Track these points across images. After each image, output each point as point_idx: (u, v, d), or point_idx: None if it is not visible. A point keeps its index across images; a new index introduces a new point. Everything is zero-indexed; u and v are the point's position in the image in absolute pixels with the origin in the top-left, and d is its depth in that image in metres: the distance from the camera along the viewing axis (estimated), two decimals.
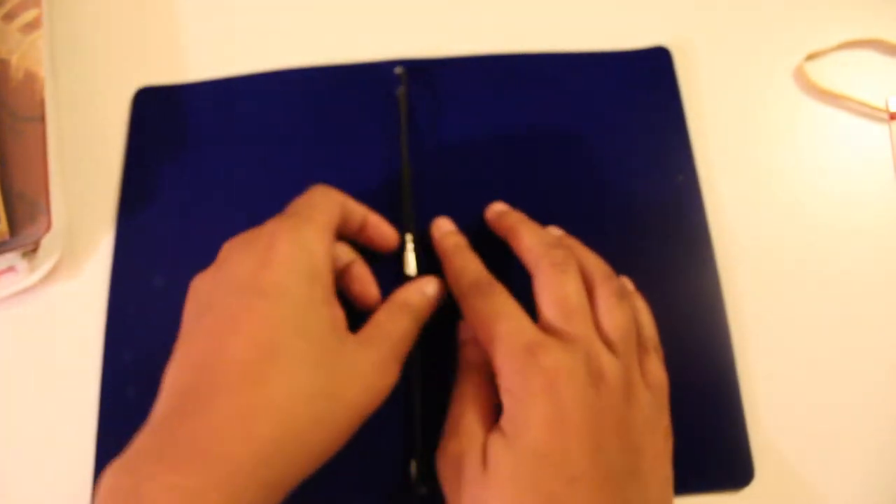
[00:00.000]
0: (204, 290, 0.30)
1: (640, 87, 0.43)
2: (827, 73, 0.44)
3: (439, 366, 0.35)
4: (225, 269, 0.30)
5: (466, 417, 0.31)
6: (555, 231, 0.37)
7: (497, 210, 0.38)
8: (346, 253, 0.36)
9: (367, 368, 0.30)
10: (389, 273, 0.38)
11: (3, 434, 0.38)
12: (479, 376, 0.32)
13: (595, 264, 0.34)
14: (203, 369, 0.27)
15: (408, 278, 0.37)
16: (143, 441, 0.26)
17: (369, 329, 0.32)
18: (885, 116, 0.43)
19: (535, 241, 0.34)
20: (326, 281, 0.31)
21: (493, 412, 0.31)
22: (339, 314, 0.31)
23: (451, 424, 0.32)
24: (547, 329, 0.31)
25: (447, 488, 0.31)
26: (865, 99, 0.43)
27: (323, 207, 0.33)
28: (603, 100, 0.43)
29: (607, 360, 0.30)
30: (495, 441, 0.29)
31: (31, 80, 0.41)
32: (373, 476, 0.35)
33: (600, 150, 0.41)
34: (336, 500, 0.35)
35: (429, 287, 0.35)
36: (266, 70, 0.44)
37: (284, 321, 0.27)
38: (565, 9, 0.45)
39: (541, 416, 0.28)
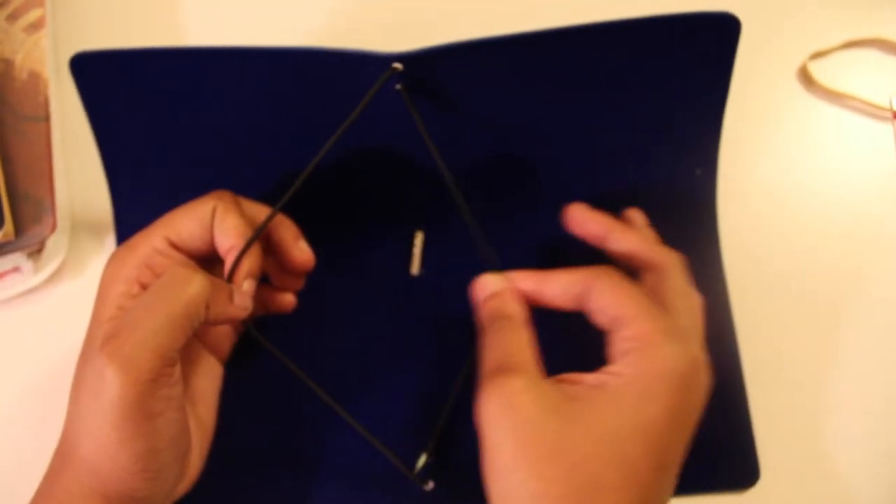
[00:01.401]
0: None
1: (691, 61, 0.38)
2: (831, 72, 0.44)
3: (451, 351, 0.35)
4: None
5: (520, 357, 0.30)
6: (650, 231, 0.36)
7: (582, 213, 0.35)
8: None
9: (102, 385, 0.27)
10: (395, 272, 0.37)
11: (8, 433, 0.38)
12: (523, 325, 0.31)
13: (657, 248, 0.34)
14: None
15: (412, 278, 0.37)
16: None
17: (118, 323, 0.29)
18: (889, 115, 0.43)
19: (645, 242, 0.33)
20: (117, 300, 0.31)
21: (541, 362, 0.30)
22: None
23: (501, 363, 0.29)
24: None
25: (491, 428, 0.28)
26: (869, 98, 0.43)
27: (161, 221, 0.32)
28: (645, 72, 0.38)
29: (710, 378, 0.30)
30: (594, 395, 0.28)
31: (35, 80, 0.41)
32: (380, 470, 0.35)
33: (632, 132, 0.39)
34: (343, 495, 0.35)
35: (239, 293, 0.31)
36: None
37: (81, 355, 0.31)
38: None
39: (665, 401, 0.28)
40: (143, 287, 0.31)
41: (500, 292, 0.32)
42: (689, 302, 0.32)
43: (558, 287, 0.32)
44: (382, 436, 0.34)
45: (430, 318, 0.38)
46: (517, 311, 0.32)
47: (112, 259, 0.32)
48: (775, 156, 0.43)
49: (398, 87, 0.37)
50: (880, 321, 0.39)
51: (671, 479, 0.28)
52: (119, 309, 0.30)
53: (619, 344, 0.29)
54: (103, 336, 0.28)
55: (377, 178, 0.39)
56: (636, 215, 0.36)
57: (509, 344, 0.30)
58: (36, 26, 0.42)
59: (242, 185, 0.38)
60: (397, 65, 0.36)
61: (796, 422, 0.38)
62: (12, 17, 0.42)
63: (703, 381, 0.29)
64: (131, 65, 0.38)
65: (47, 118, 0.40)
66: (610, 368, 0.29)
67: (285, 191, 0.35)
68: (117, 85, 0.38)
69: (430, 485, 0.34)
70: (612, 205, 0.38)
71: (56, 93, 0.42)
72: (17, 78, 0.41)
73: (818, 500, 0.37)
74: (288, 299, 0.36)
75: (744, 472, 0.36)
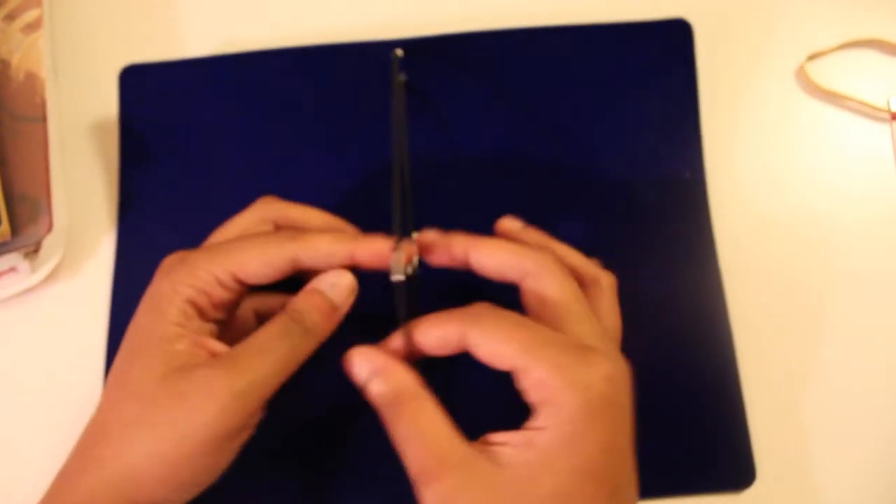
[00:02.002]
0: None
1: (654, 66, 0.41)
2: (828, 73, 0.44)
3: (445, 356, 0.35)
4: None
5: (439, 445, 0.28)
6: (534, 233, 0.34)
7: (435, 239, 0.33)
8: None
9: (205, 406, 0.28)
10: (377, 278, 0.37)
11: (5, 434, 0.38)
12: (424, 399, 0.29)
13: (581, 259, 0.33)
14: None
15: (394, 285, 0.37)
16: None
17: (236, 352, 0.30)
18: (887, 116, 0.43)
19: (513, 250, 0.31)
20: (178, 320, 0.30)
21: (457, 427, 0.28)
22: (188, 351, 0.29)
23: (424, 464, 0.27)
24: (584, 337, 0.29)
25: None
26: (867, 99, 0.43)
27: (220, 244, 0.32)
28: (614, 79, 0.41)
29: (628, 369, 0.29)
30: (526, 458, 0.27)
31: (32, 80, 0.41)
32: (375, 475, 0.35)
33: (609, 139, 0.40)
34: (339, 499, 0.35)
35: (335, 291, 0.31)
36: (259, 49, 0.42)
37: (126, 359, 0.30)
38: None
39: (595, 435, 0.27)
40: (198, 310, 0.30)
41: (381, 367, 0.30)
42: (570, 296, 0.30)
43: (433, 339, 0.30)
44: (380, 437, 0.34)
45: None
46: (411, 383, 0.29)
47: (167, 272, 0.31)
48: (772, 157, 0.43)
49: (398, 78, 0.38)
50: (877, 323, 0.39)
51: (630, 495, 0.28)
52: (180, 327, 0.30)
53: (530, 394, 0.28)
54: (217, 361, 0.29)
55: (374, 177, 0.40)
56: (509, 223, 0.34)
57: (422, 433, 0.28)
58: (33, 27, 0.42)
59: (255, 187, 0.39)
60: (399, 51, 0.39)
61: (792, 422, 0.38)
62: (9, 18, 0.42)
63: (624, 390, 0.28)
64: (172, 75, 0.42)
65: (44, 119, 0.40)
66: (532, 424, 0.27)
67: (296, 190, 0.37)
68: (155, 94, 0.42)
69: None
70: (606, 210, 0.39)
71: (53, 93, 0.42)
72: (13, 78, 0.41)
73: (813, 501, 0.37)
74: None
75: (739, 472, 0.36)
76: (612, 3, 0.44)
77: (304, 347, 0.30)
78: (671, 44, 0.41)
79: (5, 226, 0.38)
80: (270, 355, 0.29)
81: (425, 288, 0.38)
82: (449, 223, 0.38)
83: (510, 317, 0.29)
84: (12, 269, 0.39)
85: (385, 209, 0.38)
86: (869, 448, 0.37)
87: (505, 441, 0.27)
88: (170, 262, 0.31)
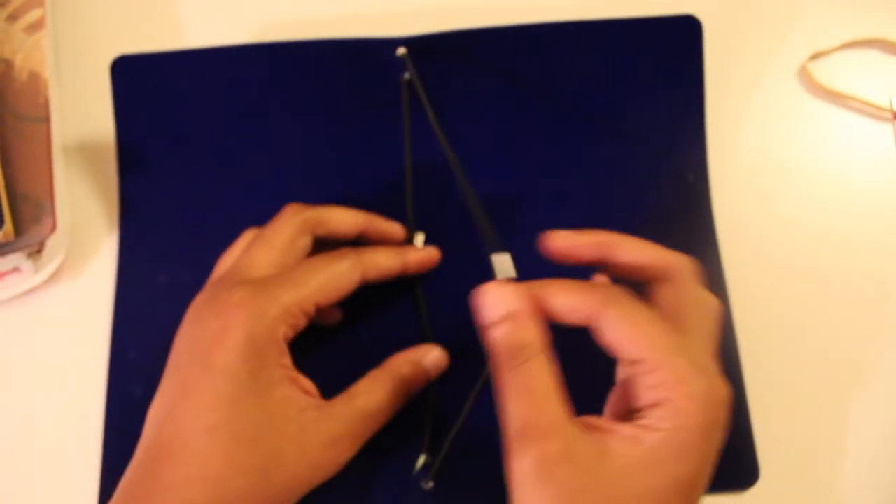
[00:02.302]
0: (183, 338, 0.32)
1: (663, 62, 0.40)
2: (831, 72, 0.44)
3: (451, 356, 0.35)
4: (195, 326, 0.32)
5: (550, 410, 0.27)
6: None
7: (571, 236, 0.31)
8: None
9: (316, 446, 0.30)
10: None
11: (9, 434, 0.38)
12: (547, 360, 0.28)
13: (658, 249, 0.32)
14: (161, 427, 0.30)
15: (411, 280, 0.37)
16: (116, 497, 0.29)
17: (340, 400, 0.32)
18: (889, 116, 0.43)
19: (657, 250, 0.31)
20: (279, 360, 0.30)
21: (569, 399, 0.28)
22: (293, 390, 0.30)
23: (530, 421, 0.27)
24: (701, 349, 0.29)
25: (528, 495, 0.26)
26: (869, 98, 0.43)
27: (292, 274, 0.32)
28: (622, 76, 0.40)
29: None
30: (630, 452, 0.26)
31: (35, 80, 0.41)
32: (379, 470, 0.35)
33: (615, 136, 0.40)
34: (342, 495, 0.35)
35: (427, 357, 0.35)
36: (258, 42, 0.42)
37: (229, 401, 0.29)
38: None
39: (700, 454, 0.27)
40: (287, 344, 0.31)
41: (514, 313, 0.28)
42: (705, 313, 0.30)
43: (565, 305, 0.28)
44: (381, 435, 0.34)
45: (429, 319, 0.38)
46: (538, 339, 0.28)
47: (254, 313, 0.30)
48: (775, 156, 0.43)
49: (406, 76, 0.38)
50: (881, 323, 0.39)
51: None
52: (282, 367, 0.30)
53: (646, 392, 0.27)
54: (341, 425, 0.31)
55: (376, 176, 0.40)
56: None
57: (536, 392, 0.27)
58: (36, 27, 0.42)
59: (255, 185, 0.40)
60: (402, 49, 0.39)
61: (796, 421, 0.38)
62: (12, 18, 0.42)
63: (726, 415, 0.28)
64: (167, 67, 0.41)
65: (47, 119, 0.40)
66: (644, 422, 0.27)
67: (290, 185, 0.37)
68: (150, 87, 0.41)
69: (430, 484, 0.34)
70: (607, 215, 0.39)
71: (56, 93, 0.42)
72: (16, 78, 0.41)
73: (817, 501, 0.37)
74: (335, 312, 0.37)
75: (743, 472, 0.36)
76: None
77: (396, 401, 0.33)
78: (680, 40, 0.40)
79: (9, 226, 0.38)
80: (381, 419, 0.32)
81: (426, 289, 0.39)
82: (454, 222, 0.38)
83: (647, 308, 0.28)
84: (16, 270, 0.39)
85: (388, 205, 0.39)
86: (873, 447, 0.37)
87: (610, 429, 0.27)
88: (246, 297, 0.30)
